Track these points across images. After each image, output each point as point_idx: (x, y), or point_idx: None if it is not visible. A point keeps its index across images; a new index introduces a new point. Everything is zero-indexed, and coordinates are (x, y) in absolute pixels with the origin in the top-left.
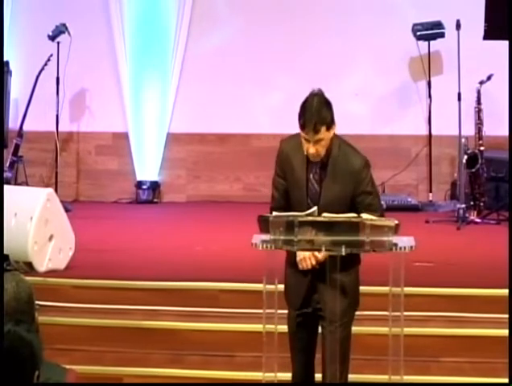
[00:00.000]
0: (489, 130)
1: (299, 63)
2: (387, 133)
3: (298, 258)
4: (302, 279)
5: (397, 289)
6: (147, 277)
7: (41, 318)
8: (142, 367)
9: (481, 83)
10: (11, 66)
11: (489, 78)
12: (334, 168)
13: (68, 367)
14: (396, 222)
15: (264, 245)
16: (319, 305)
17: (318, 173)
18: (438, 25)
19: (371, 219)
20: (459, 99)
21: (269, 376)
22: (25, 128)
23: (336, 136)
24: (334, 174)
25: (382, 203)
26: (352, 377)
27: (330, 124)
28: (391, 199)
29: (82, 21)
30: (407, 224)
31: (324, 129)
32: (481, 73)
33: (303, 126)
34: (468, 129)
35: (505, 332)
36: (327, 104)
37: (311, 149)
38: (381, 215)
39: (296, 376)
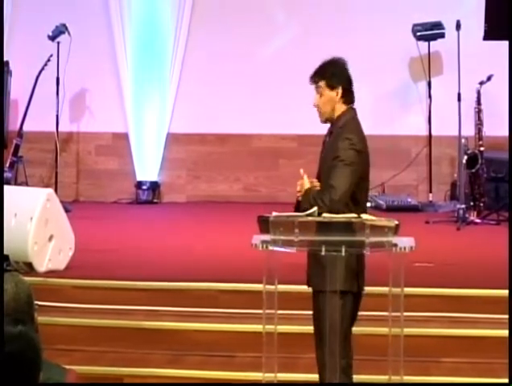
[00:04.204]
0: (489, 130)
1: (298, 63)
2: (387, 133)
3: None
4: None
5: (397, 290)
6: (147, 278)
7: (41, 319)
8: (142, 368)
9: (481, 83)
10: (11, 66)
11: (489, 78)
12: (334, 136)
13: (68, 367)
14: (396, 222)
15: (264, 245)
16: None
17: (327, 141)
18: (438, 25)
19: (371, 220)
20: (459, 99)
21: (269, 377)
22: (25, 128)
23: (352, 112)
24: (332, 141)
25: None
26: None
27: (331, 83)
28: (391, 200)
29: (82, 21)
30: (407, 225)
31: (322, 83)
32: (481, 73)
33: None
34: (468, 130)
35: (504, 332)
36: (336, 65)
37: (314, 101)
38: (330, 199)
39: None
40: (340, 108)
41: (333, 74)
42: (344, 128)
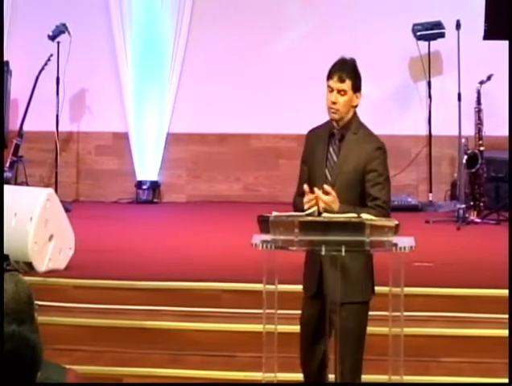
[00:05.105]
0: (489, 130)
1: (298, 63)
2: (387, 133)
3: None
4: (313, 264)
5: (397, 289)
6: (147, 277)
7: (41, 318)
8: (142, 367)
9: (481, 83)
10: (11, 66)
11: (489, 78)
12: (351, 143)
13: (68, 367)
14: (396, 222)
15: (264, 245)
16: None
17: (337, 145)
18: (438, 25)
19: (371, 220)
20: (459, 99)
21: (269, 376)
22: (25, 128)
23: (358, 117)
24: (351, 148)
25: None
26: None
27: (357, 85)
28: (391, 199)
29: (82, 21)
30: (407, 224)
31: (349, 83)
32: (481, 73)
33: (330, 74)
34: (468, 129)
35: (505, 332)
36: (356, 67)
37: (332, 98)
38: (385, 214)
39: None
40: (352, 111)
41: (359, 77)
42: (360, 133)
